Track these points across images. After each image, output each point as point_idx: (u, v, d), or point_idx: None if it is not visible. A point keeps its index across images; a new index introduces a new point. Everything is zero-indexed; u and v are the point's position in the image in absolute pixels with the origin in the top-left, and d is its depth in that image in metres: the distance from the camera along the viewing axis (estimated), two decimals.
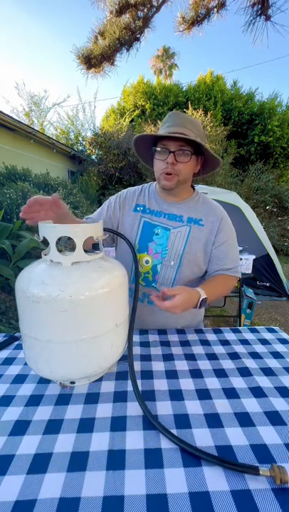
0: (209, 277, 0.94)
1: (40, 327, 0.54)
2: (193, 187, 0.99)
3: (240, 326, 2.71)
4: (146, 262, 0.94)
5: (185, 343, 0.81)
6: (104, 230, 0.67)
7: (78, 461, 0.44)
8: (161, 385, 0.62)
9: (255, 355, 0.75)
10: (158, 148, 0.85)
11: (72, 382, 0.61)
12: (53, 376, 0.59)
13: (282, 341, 0.83)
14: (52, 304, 0.52)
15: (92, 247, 0.68)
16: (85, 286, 0.54)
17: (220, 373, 0.67)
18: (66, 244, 0.75)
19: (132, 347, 0.64)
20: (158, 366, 0.69)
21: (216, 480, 0.41)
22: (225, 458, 0.44)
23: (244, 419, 0.53)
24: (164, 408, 0.55)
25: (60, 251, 0.59)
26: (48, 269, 0.57)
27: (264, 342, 0.83)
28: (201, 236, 0.91)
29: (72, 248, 0.59)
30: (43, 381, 0.63)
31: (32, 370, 0.63)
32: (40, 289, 0.53)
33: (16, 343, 0.80)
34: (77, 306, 0.53)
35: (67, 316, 0.53)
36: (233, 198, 3.84)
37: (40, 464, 0.44)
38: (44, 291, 0.52)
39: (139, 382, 0.62)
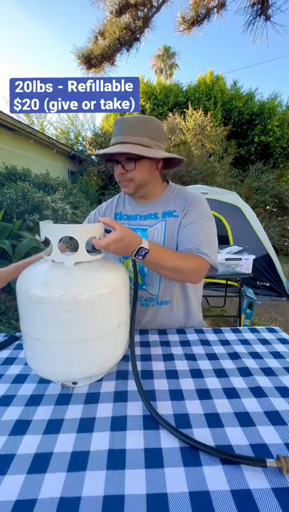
0: None
1: (43, 328, 0.54)
2: (167, 181, 0.97)
3: (240, 326, 2.71)
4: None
5: (185, 343, 0.81)
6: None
7: (78, 461, 0.44)
8: (161, 384, 0.62)
9: (255, 355, 0.75)
10: (113, 161, 0.85)
11: (74, 383, 0.61)
12: (55, 377, 0.59)
13: (283, 341, 0.83)
14: (56, 304, 0.51)
15: (92, 248, 0.68)
16: (88, 286, 0.54)
17: (220, 373, 0.67)
18: (69, 245, 0.75)
19: (134, 346, 0.64)
20: (158, 366, 0.69)
21: (216, 479, 0.41)
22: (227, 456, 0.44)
23: (244, 419, 0.53)
24: (164, 408, 0.55)
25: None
26: (50, 270, 0.57)
27: (264, 342, 0.83)
28: (176, 227, 0.89)
29: (75, 249, 0.59)
30: (44, 381, 0.63)
31: (33, 370, 0.62)
32: (43, 290, 0.52)
33: (17, 342, 0.80)
34: (82, 306, 0.53)
35: (71, 317, 0.53)
36: (233, 198, 3.84)
37: (40, 463, 0.44)
38: (48, 291, 0.52)
39: None
